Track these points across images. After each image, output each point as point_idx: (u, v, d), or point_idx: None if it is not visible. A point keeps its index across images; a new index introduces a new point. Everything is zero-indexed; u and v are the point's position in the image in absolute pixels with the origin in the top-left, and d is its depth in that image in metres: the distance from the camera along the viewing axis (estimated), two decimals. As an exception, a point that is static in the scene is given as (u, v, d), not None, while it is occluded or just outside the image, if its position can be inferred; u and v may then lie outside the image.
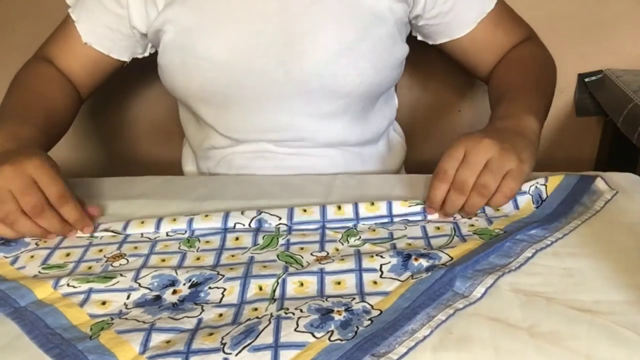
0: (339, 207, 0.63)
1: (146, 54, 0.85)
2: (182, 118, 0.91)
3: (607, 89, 1.07)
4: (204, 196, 0.69)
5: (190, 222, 0.62)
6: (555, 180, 0.65)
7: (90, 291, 0.52)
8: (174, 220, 0.63)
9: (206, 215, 0.63)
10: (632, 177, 0.70)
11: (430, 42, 0.85)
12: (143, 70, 0.90)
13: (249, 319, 0.47)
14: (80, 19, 0.79)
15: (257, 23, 0.73)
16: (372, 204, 0.63)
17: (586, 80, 1.12)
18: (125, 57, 0.83)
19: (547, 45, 0.85)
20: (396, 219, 0.63)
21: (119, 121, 1.08)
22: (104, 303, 0.51)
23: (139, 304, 0.51)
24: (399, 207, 0.63)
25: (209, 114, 0.80)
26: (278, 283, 0.52)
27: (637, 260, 0.54)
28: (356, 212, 0.63)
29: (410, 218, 0.63)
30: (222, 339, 0.45)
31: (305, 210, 0.63)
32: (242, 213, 0.63)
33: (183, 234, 0.62)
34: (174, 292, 0.52)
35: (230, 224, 0.62)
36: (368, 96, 0.79)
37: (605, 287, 0.50)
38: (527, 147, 0.63)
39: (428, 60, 1.11)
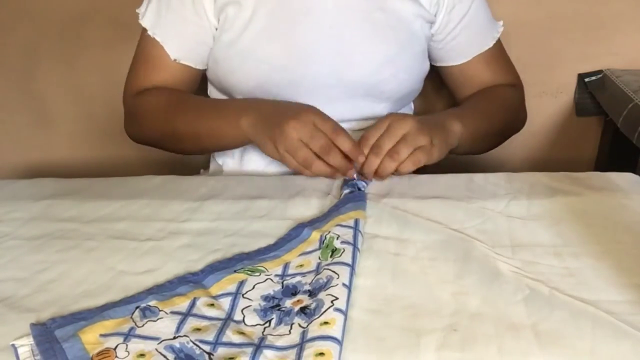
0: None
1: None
2: None
3: (607, 89, 1.07)
4: (204, 196, 0.69)
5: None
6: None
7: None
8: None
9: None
10: (632, 177, 0.70)
11: (430, 62, 0.93)
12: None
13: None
14: (166, 38, 0.83)
15: (314, 33, 0.81)
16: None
17: (586, 80, 1.12)
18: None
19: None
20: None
21: (119, 121, 1.07)
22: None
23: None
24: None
25: None
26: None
27: (638, 260, 0.54)
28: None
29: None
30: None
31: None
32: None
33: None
34: None
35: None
36: (401, 101, 0.90)
37: (606, 287, 0.50)
38: (442, 136, 0.74)
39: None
